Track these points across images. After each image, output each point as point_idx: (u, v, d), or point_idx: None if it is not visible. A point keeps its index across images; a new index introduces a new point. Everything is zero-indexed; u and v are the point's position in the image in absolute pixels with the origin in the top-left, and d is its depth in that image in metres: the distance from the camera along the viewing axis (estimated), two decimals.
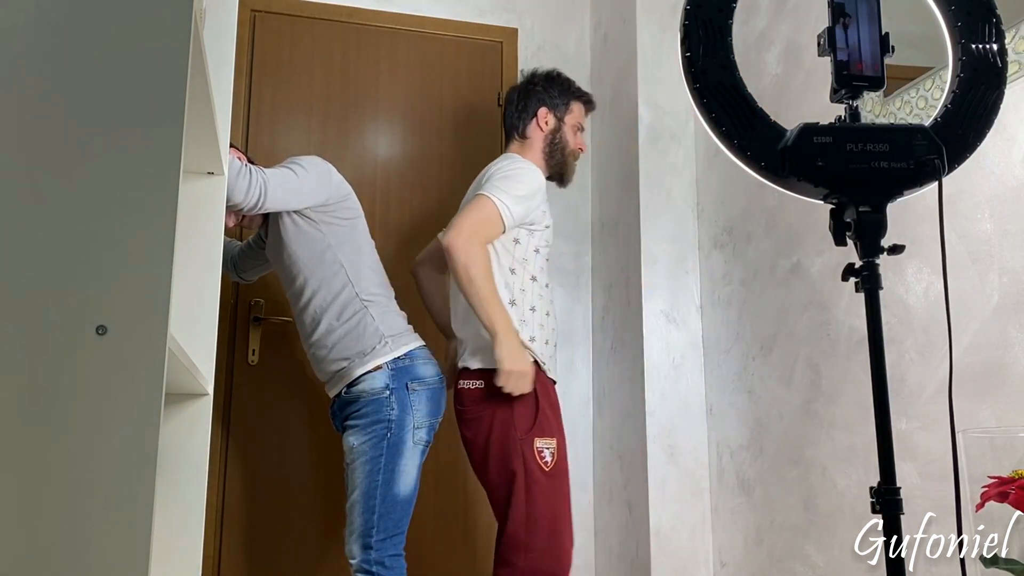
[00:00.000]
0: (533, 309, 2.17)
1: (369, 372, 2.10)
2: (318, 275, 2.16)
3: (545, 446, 2.08)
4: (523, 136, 2.36)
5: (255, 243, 2.44)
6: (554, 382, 2.21)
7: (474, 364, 2.13)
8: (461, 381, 2.16)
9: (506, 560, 2.04)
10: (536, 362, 2.13)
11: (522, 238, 2.18)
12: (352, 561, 2.05)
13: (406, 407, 2.09)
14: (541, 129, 2.35)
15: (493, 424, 2.09)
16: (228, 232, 2.62)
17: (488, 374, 2.10)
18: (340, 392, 2.15)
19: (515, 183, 2.13)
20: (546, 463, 2.07)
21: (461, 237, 2.04)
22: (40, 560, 0.91)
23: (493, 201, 2.09)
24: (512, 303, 2.14)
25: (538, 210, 2.19)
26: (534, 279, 2.19)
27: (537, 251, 2.21)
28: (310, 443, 2.74)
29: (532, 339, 2.14)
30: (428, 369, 2.14)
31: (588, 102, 2.42)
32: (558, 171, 2.37)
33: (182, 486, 1.59)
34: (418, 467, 2.11)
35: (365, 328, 2.13)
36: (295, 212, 2.15)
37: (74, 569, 0.91)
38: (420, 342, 2.18)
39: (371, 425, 2.07)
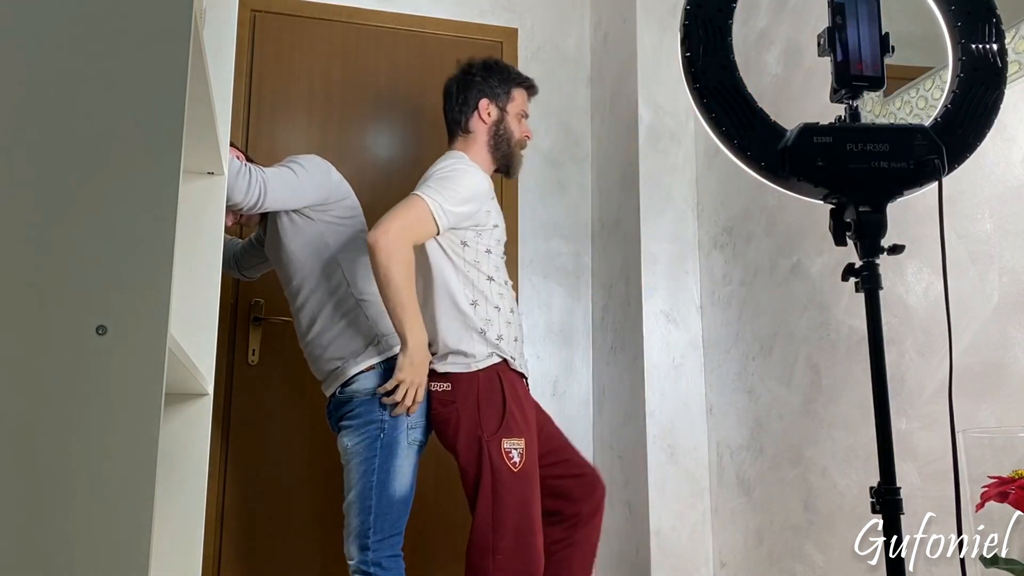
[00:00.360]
0: (498, 308, 2.14)
1: (363, 372, 2.10)
2: (315, 274, 2.16)
3: (513, 447, 2.06)
4: (466, 131, 2.27)
5: (256, 241, 2.44)
6: (524, 376, 2.18)
7: (441, 367, 2.12)
8: (430, 384, 2.11)
9: (475, 565, 2.00)
10: (504, 360, 2.11)
11: (469, 240, 2.14)
12: (350, 562, 2.05)
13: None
14: (484, 121, 2.26)
15: (460, 425, 2.06)
16: (228, 231, 2.61)
17: (455, 377, 2.08)
18: (335, 392, 2.15)
19: (453, 184, 2.06)
20: (514, 463, 2.05)
21: (387, 236, 1.96)
22: (40, 560, 0.91)
23: (426, 201, 2.02)
24: (474, 304, 2.11)
25: (482, 211, 2.13)
26: (491, 279, 2.16)
27: (489, 251, 2.16)
28: (310, 443, 2.74)
29: (500, 337, 2.11)
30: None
31: (530, 87, 2.34)
32: (505, 163, 2.29)
33: (182, 486, 1.59)
34: (413, 466, 2.11)
35: (359, 328, 2.13)
36: (294, 211, 2.16)
37: (74, 569, 0.91)
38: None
39: (364, 426, 2.07)
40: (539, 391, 2.97)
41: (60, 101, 1.01)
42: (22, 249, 0.96)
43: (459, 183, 2.08)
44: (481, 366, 2.07)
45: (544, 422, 2.23)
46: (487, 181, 2.15)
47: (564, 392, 2.99)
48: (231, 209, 2.10)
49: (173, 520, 1.58)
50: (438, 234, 2.07)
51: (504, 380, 2.08)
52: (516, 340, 2.16)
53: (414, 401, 2.02)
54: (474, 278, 2.12)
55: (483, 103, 2.26)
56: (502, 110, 2.28)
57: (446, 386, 2.09)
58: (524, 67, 3.17)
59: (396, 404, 2.03)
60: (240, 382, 2.72)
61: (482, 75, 2.28)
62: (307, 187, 2.14)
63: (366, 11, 3.03)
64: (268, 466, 2.70)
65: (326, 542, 2.70)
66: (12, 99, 1.00)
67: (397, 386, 2.01)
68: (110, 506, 0.93)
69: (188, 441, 1.61)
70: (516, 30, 3.18)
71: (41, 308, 0.95)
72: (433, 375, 2.11)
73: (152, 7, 1.05)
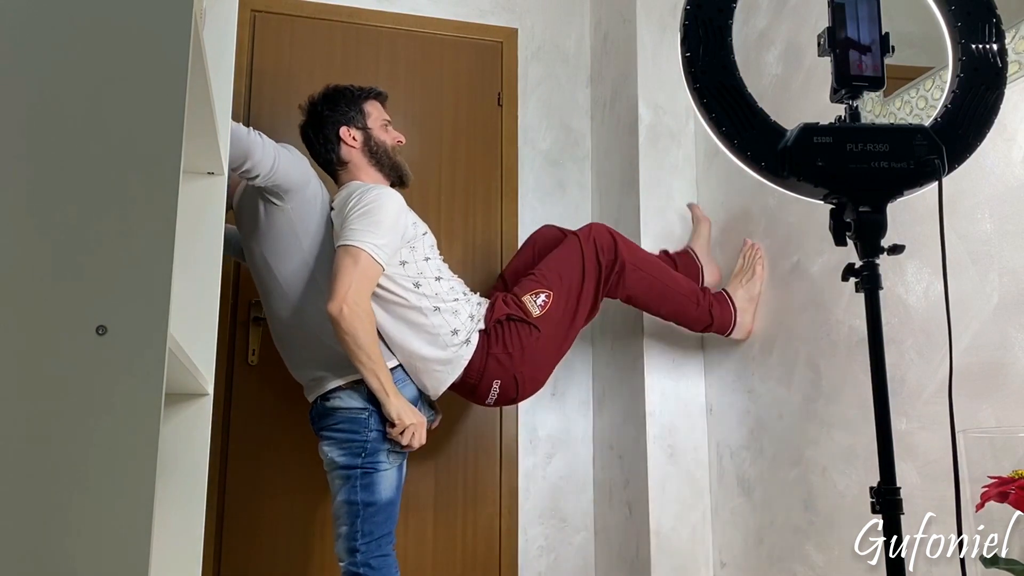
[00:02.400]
0: (456, 313, 2.18)
1: (342, 388, 2.10)
2: (298, 285, 2.17)
3: (535, 303, 2.23)
4: (343, 163, 2.28)
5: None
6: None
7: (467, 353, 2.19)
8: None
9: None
10: (480, 330, 2.21)
11: (407, 256, 2.15)
12: (341, 564, 2.07)
13: (382, 434, 2.09)
14: (353, 147, 2.27)
15: (491, 385, 2.21)
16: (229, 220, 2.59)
17: (462, 373, 2.19)
18: (316, 400, 2.16)
19: (375, 218, 2.05)
20: (541, 307, 2.23)
21: (348, 305, 1.97)
22: (40, 560, 0.91)
23: (363, 249, 2.01)
24: (437, 309, 2.15)
25: (408, 227, 2.15)
26: (439, 279, 2.20)
27: (428, 259, 2.19)
28: (310, 443, 2.74)
29: (455, 332, 2.16)
30: (407, 391, 2.13)
31: (378, 95, 2.34)
32: (395, 173, 2.32)
33: (182, 486, 1.59)
34: (398, 470, 2.12)
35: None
36: (276, 200, 2.14)
37: (75, 569, 0.91)
38: (396, 361, 2.17)
39: (347, 442, 2.09)
40: (539, 391, 2.97)
41: (60, 101, 1.01)
42: (22, 249, 0.96)
43: (379, 214, 2.07)
44: (471, 353, 2.18)
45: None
46: (398, 195, 2.15)
47: (564, 392, 2.99)
48: (243, 175, 2.05)
49: (173, 520, 1.58)
50: (384, 271, 2.07)
51: (484, 344, 2.20)
52: (472, 318, 2.22)
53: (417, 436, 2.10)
54: (424, 288, 2.15)
55: (343, 131, 2.27)
56: (363, 129, 2.29)
57: (457, 378, 2.20)
58: (524, 67, 3.17)
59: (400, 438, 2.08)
60: (240, 382, 2.72)
61: (328, 107, 2.28)
62: (302, 167, 2.15)
63: (366, 11, 3.03)
64: (268, 466, 2.70)
65: (326, 542, 2.70)
66: (12, 99, 1.00)
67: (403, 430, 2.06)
68: (110, 506, 0.93)
69: (188, 441, 1.61)
70: (516, 30, 3.18)
71: (41, 308, 0.95)
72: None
73: (152, 7, 1.05)
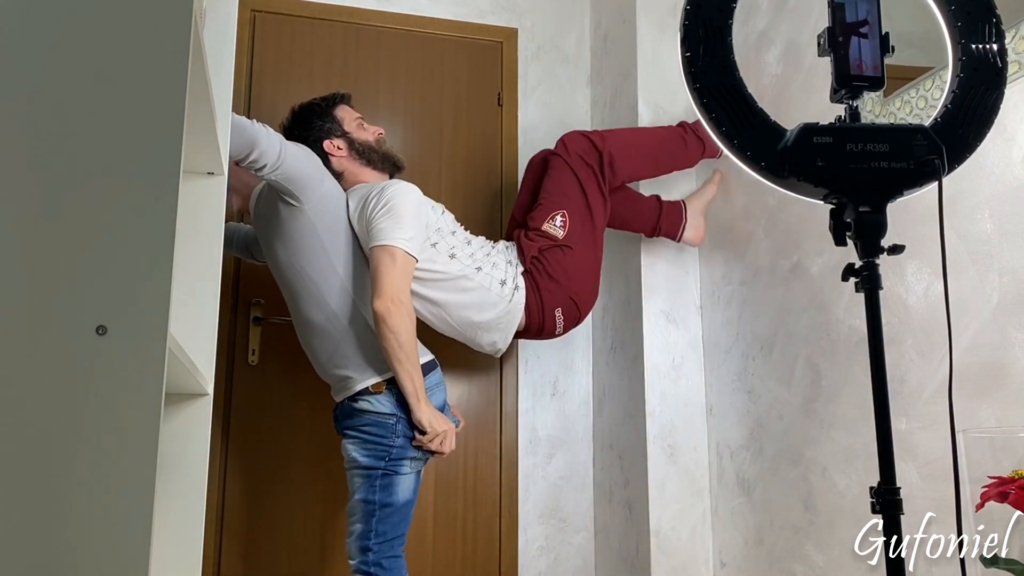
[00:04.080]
0: (495, 265, 2.27)
1: (372, 392, 2.10)
2: (321, 286, 2.18)
3: (554, 228, 2.33)
4: (339, 175, 2.31)
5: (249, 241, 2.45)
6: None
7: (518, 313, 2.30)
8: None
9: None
10: (526, 271, 2.31)
11: (435, 237, 2.22)
12: (351, 562, 2.06)
13: (408, 441, 2.10)
14: (341, 154, 2.31)
15: (556, 313, 2.33)
16: (231, 217, 2.57)
17: (527, 314, 2.30)
18: (343, 400, 2.16)
19: (398, 213, 2.10)
20: (562, 227, 2.34)
21: (391, 303, 2.02)
22: (40, 560, 0.91)
23: (396, 246, 2.07)
24: (479, 269, 2.25)
25: (429, 213, 2.21)
26: (469, 243, 2.29)
27: (454, 232, 2.27)
28: (310, 443, 2.74)
29: (503, 282, 2.25)
30: (434, 399, 2.14)
31: (341, 98, 2.37)
32: (388, 163, 2.36)
33: (182, 486, 1.59)
34: (417, 475, 2.13)
35: (364, 342, 2.14)
36: (295, 203, 2.13)
37: (74, 569, 0.91)
38: (429, 356, 2.18)
39: (373, 444, 2.09)
40: (539, 391, 2.97)
41: (60, 101, 1.01)
42: (22, 249, 0.96)
43: (400, 208, 2.12)
44: (523, 298, 2.28)
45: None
46: (411, 186, 2.20)
47: (564, 392, 3.00)
48: (250, 165, 2.05)
49: (173, 520, 1.58)
50: (418, 261, 2.15)
51: (532, 282, 2.29)
52: (510, 264, 2.31)
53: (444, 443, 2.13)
54: (460, 257, 2.24)
55: (326, 145, 2.30)
56: (342, 135, 2.31)
57: (521, 324, 2.31)
58: (524, 67, 3.17)
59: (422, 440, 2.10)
60: (240, 382, 2.72)
61: (302, 128, 2.31)
62: (315, 162, 2.15)
63: (366, 11, 3.03)
64: (268, 466, 2.70)
65: (326, 542, 2.70)
66: (12, 99, 1.00)
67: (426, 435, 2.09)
68: (110, 506, 0.93)
69: (188, 441, 1.61)
70: (516, 30, 3.18)
71: (41, 308, 0.95)
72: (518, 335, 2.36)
73: (152, 7, 1.05)
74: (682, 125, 2.60)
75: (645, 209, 2.59)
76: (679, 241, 2.61)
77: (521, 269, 2.31)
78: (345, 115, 2.34)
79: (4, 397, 0.93)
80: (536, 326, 2.32)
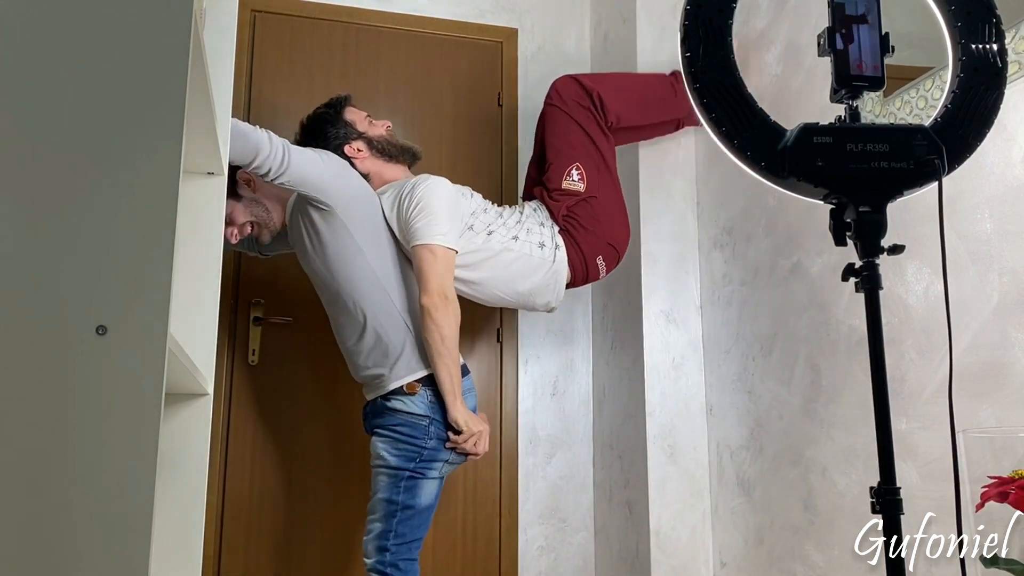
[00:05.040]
0: (529, 231, 2.31)
1: (405, 393, 2.11)
2: (358, 288, 2.19)
3: (572, 186, 2.37)
4: (367, 175, 2.33)
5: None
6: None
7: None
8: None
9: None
10: (562, 229, 2.35)
11: (470, 220, 2.26)
12: (367, 560, 2.06)
13: (441, 443, 2.10)
14: (363, 156, 2.33)
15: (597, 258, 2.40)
16: (274, 233, 2.43)
17: (571, 267, 2.35)
18: (376, 398, 2.16)
19: (430, 210, 2.14)
20: (580, 179, 2.37)
21: (438, 297, 2.08)
22: (41, 560, 0.91)
23: (436, 244, 2.12)
24: (516, 238, 2.28)
25: (461, 202, 2.25)
26: (500, 216, 2.32)
27: (486, 211, 2.31)
28: (310, 443, 2.74)
29: (542, 245, 2.31)
30: (467, 403, 2.15)
31: (345, 100, 2.38)
32: (406, 154, 2.38)
33: (182, 486, 1.59)
34: (441, 481, 2.14)
35: (396, 342, 2.15)
36: (324, 209, 2.13)
37: (74, 569, 0.91)
38: (461, 360, 2.18)
39: (404, 444, 2.09)
40: (539, 391, 2.97)
41: (60, 101, 1.01)
42: (22, 249, 0.96)
43: (433, 205, 2.15)
44: (565, 255, 2.33)
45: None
46: (440, 180, 2.23)
47: (564, 392, 3.00)
48: (255, 171, 2.05)
49: (173, 520, 1.58)
50: (458, 252, 2.20)
51: (570, 238, 2.34)
52: (542, 225, 2.34)
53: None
54: (498, 232, 2.28)
55: (347, 150, 2.32)
56: (359, 136, 2.33)
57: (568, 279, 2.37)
58: (524, 67, 3.17)
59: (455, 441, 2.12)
60: (240, 382, 2.72)
61: (316, 140, 2.32)
62: (333, 164, 2.14)
63: (366, 11, 3.03)
64: (268, 466, 2.70)
65: (326, 542, 2.70)
66: (12, 99, 1.00)
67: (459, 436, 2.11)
68: (110, 506, 0.93)
69: (188, 441, 1.61)
70: (516, 30, 3.18)
71: (41, 308, 0.95)
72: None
73: (152, 7, 1.05)
74: (674, 74, 2.63)
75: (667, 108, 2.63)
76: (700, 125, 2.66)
77: (556, 228, 2.35)
78: (355, 116, 2.35)
79: (4, 397, 0.93)
80: (581, 277, 2.39)
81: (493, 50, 3.14)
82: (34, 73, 1.01)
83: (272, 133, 2.06)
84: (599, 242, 2.37)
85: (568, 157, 2.40)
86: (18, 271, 0.96)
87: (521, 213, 2.36)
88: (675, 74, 2.64)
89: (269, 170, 2.04)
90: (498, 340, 2.96)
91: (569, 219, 2.35)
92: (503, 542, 2.84)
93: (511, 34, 3.17)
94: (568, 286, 2.40)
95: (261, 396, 2.73)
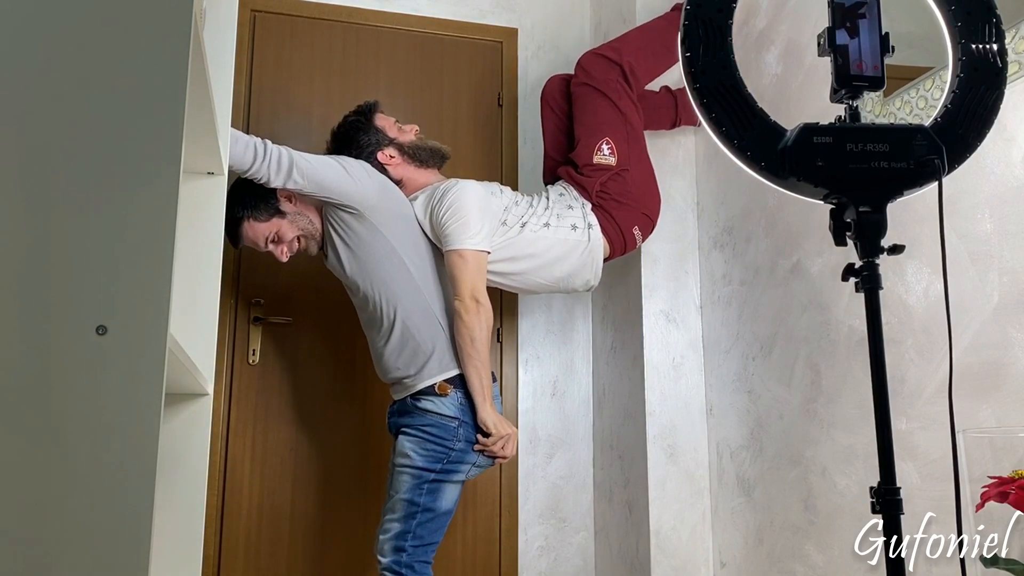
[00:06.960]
0: (559, 216, 2.33)
1: (435, 393, 2.11)
2: (388, 289, 2.19)
3: (601, 161, 2.39)
4: (400, 181, 2.34)
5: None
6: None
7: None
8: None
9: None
10: (595, 206, 2.37)
11: (503, 216, 2.27)
12: (381, 559, 2.06)
13: (470, 446, 2.11)
14: (396, 162, 2.34)
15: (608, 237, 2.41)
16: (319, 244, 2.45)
17: (605, 235, 2.38)
18: (405, 398, 2.16)
19: (460, 216, 2.17)
20: (611, 153, 2.40)
21: (471, 300, 2.11)
22: (41, 559, 0.91)
23: (463, 250, 2.15)
24: (547, 225, 2.31)
25: (493, 202, 2.26)
26: (531, 205, 2.34)
27: (517, 203, 2.33)
28: (310, 443, 2.74)
29: (574, 227, 2.33)
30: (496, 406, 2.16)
31: (374, 107, 2.39)
32: (436, 157, 2.39)
33: (182, 486, 1.59)
34: (460, 486, 2.14)
35: (424, 344, 2.15)
36: (350, 215, 2.14)
37: (75, 569, 0.91)
38: (489, 368, 2.19)
39: (433, 444, 2.10)
40: (539, 391, 2.97)
41: (60, 101, 1.01)
42: (22, 249, 0.96)
43: (463, 211, 2.18)
44: (600, 231, 2.35)
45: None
46: (469, 185, 2.24)
47: (564, 392, 3.00)
48: (252, 178, 2.06)
49: (173, 520, 1.58)
50: (489, 253, 2.23)
51: (605, 213, 2.37)
52: (571, 208, 2.36)
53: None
54: (531, 223, 2.30)
55: (380, 157, 2.33)
56: (389, 142, 2.34)
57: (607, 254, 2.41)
58: (524, 67, 3.17)
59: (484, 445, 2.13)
60: (240, 382, 2.72)
61: (348, 149, 2.33)
62: (356, 169, 2.15)
63: (366, 11, 3.03)
64: (268, 466, 2.70)
65: (326, 542, 2.70)
66: (13, 99, 1.00)
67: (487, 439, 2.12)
68: (110, 506, 0.93)
69: (188, 441, 1.61)
70: (516, 30, 3.18)
71: (41, 308, 0.95)
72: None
73: (152, 7, 1.05)
74: (676, 8, 2.64)
75: (661, 105, 2.67)
76: (699, 125, 2.67)
77: (589, 206, 2.37)
78: (385, 123, 2.36)
79: (4, 397, 0.93)
80: (620, 249, 2.43)
81: (493, 50, 3.14)
82: (34, 73, 1.01)
83: (268, 143, 2.06)
84: (634, 213, 2.40)
85: (598, 132, 2.42)
86: (18, 271, 0.96)
87: (547, 199, 2.39)
88: (676, 7, 2.65)
89: (268, 177, 2.05)
90: (498, 340, 2.96)
91: (603, 195, 2.38)
92: (503, 542, 2.84)
93: (511, 34, 3.17)
94: (607, 259, 2.43)
95: (261, 396, 2.73)
